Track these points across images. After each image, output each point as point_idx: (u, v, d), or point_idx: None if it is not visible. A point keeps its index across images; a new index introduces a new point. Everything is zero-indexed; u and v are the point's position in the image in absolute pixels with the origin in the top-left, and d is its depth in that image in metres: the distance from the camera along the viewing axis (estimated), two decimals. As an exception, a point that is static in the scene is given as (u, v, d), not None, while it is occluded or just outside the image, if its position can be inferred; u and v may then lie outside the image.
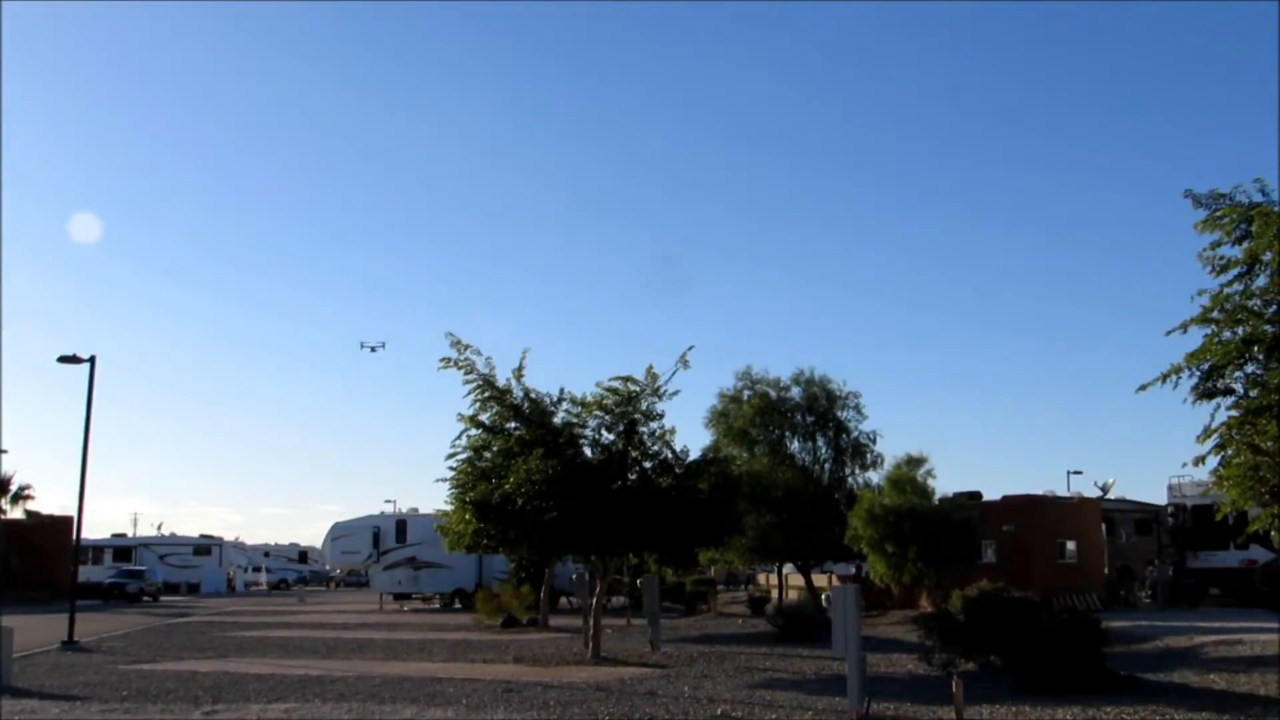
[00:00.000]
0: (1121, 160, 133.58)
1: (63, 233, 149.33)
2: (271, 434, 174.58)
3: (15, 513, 62.94)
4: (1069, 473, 58.61)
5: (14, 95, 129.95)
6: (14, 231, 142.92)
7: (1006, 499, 41.70)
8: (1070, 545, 39.95)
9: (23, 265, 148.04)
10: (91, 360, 32.74)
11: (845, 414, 43.52)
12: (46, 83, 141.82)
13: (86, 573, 63.09)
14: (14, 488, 62.02)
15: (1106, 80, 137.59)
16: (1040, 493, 42.75)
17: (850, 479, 43.54)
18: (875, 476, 42.38)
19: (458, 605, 52.90)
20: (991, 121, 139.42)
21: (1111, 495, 47.33)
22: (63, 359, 32.65)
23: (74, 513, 34.32)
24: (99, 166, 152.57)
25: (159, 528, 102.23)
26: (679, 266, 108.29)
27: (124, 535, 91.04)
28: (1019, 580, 27.86)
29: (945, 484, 43.37)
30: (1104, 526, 42.11)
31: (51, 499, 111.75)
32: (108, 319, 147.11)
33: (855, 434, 43.51)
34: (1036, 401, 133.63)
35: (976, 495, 42.35)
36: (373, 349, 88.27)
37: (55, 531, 65.51)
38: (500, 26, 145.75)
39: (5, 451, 57.93)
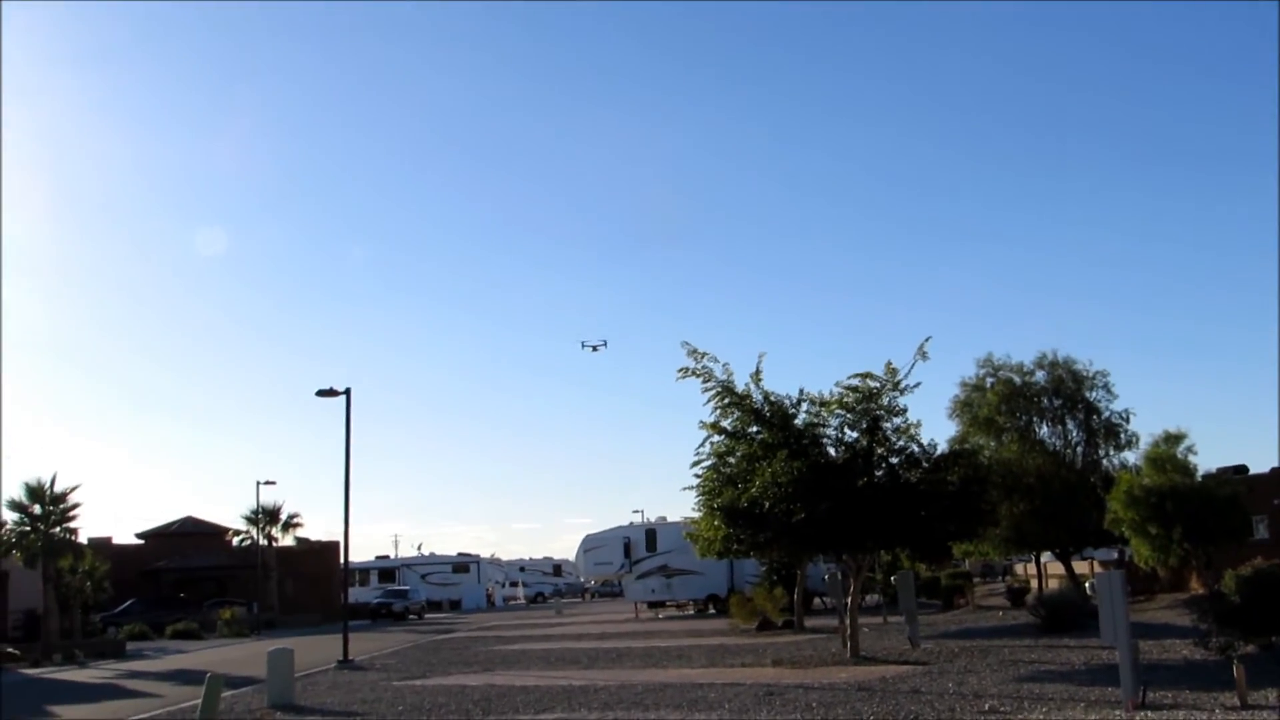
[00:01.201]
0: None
1: (324, 269, 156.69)
2: (518, 452, 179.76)
3: (286, 540, 66.41)
4: (1344, 441, 54.80)
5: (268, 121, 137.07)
6: (275, 268, 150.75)
7: (1276, 471, 39.76)
8: (1351, 517, 37.77)
9: (283, 301, 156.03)
10: (347, 392, 34.19)
11: (1094, 395, 42.19)
12: (312, 118, 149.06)
13: (354, 594, 66.09)
14: (284, 517, 65.39)
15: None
16: (1315, 463, 40.50)
17: (1105, 461, 42.16)
18: (1132, 457, 40.95)
19: (711, 611, 53.35)
20: (1234, 84, 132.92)
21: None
22: (321, 393, 34.15)
23: (340, 538, 35.89)
24: (347, 199, 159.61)
25: (419, 548, 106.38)
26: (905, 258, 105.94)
27: (387, 557, 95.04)
28: (1296, 557, 26.50)
29: (1208, 459, 41.59)
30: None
31: (318, 525, 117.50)
32: (360, 347, 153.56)
33: (1106, 414, 42.12)
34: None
35: (1243, 469, 40.51)
36: (594, 348, 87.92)
37: (323, 556, 68.97)
38: (744, 33, 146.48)
39: (273, 483, 60.96)
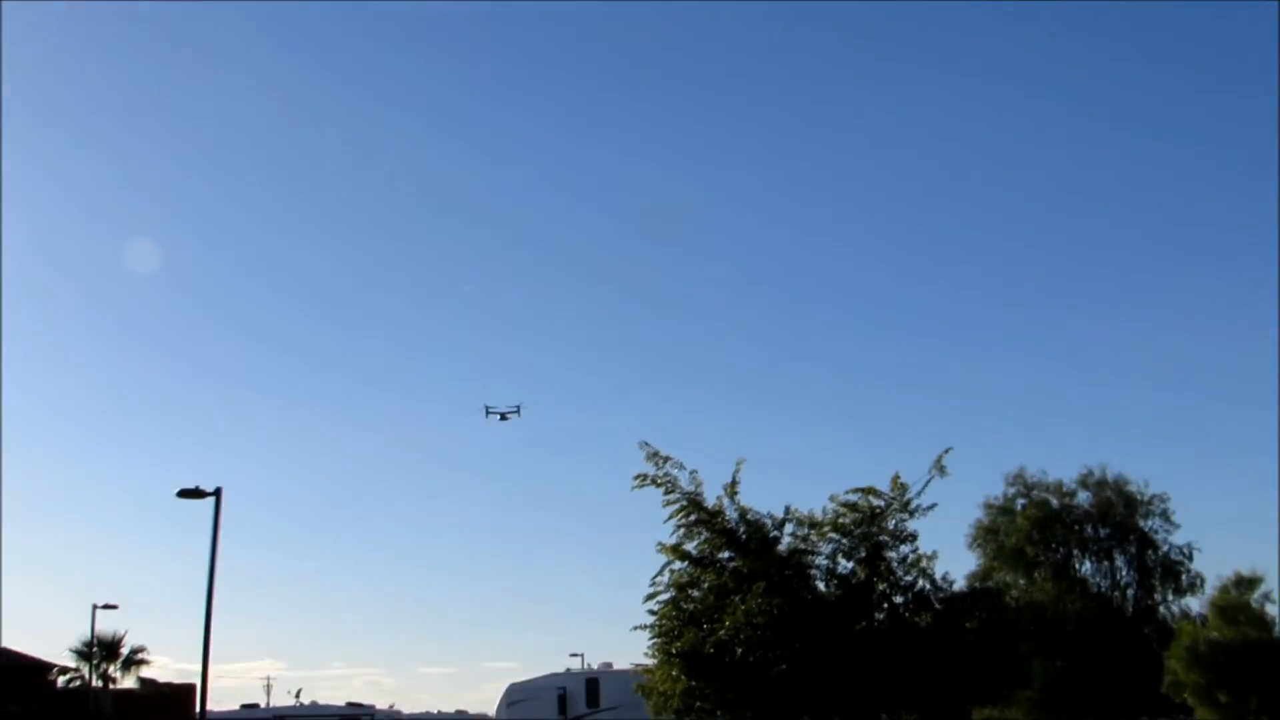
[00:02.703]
0: None
1: (186, 352, 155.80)
2: (426, 577, 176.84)
3: (128, 681, 64.92)
4: None
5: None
6: (121, 350, 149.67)
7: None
8: None
9: (140, 391, 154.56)
10: (217, 494, 33.61)
11: (1150, 523, 42.22)
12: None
13: (213, 753, 64.69)
14: (125, 650, 63.99)
15: None
16: None
17: (1162, 608, 42.14)
18: (1195, 603, 40.95)
19: (665, 782, 52.66)
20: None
21: None
22: (184, 493, 33.30)
23: (197, 679, 34.95)
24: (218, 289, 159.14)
25: (298, 695, 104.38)
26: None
27: (256, 706, 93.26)
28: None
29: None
30: None
31: (170, 663, 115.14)
32: (233, 448, 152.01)
33: (1164, 549, 42.14)
34: None
35: (1334, 622, 40.64)
36: (503, 416, 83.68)
37: (175, 703, 67.45)
38: (741, 120, 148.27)
39: (114, 607, 59.52)
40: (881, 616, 24.89)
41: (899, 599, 25.23)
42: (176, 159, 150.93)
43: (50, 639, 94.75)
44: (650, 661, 27.18)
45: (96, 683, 63.87)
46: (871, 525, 25.08)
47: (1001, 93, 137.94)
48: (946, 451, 24.93)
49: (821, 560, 25.45)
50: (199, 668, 33.16)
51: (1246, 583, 35.63)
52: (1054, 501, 42.53)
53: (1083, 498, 42.47)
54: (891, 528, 25.18)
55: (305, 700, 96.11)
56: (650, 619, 26.33)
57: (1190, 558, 41.65)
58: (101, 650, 63.26)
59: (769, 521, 25.52)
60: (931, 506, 25.25)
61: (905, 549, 25.35)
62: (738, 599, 24.23)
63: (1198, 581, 41.05)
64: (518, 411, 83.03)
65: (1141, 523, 41.91)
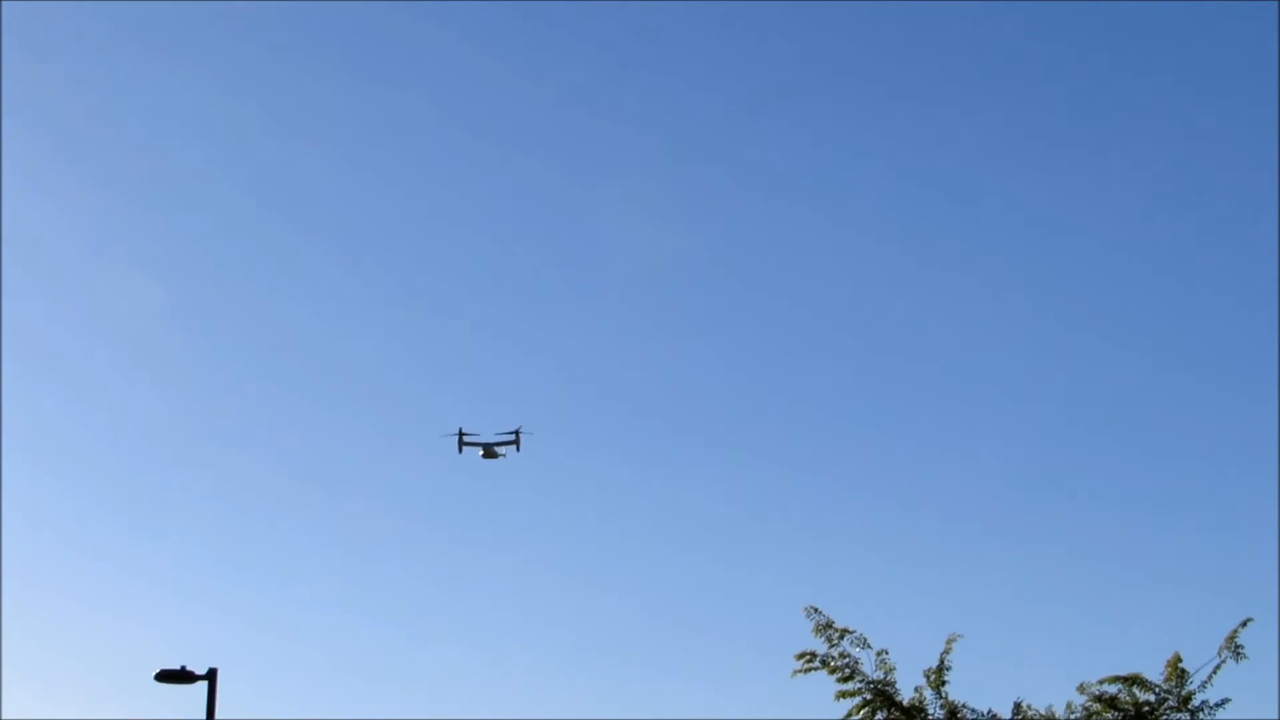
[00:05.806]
0: None
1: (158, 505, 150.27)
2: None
3: None
4: None
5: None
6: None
7: None
8: None
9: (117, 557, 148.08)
10: (210, 677, 29.10)
11: None
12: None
13: None
14: None
15: None
16: None
17: None
18: None
19: None
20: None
21: None
22: (165, 676, 29.06)
23: None
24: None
25: None
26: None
27: None
28: None
29: None
30: None
31: None
32: (230, 621, 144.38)
33: None
34: None
35: None
36: (487, 450, 60.30)
37: None
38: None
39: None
40: None
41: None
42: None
43: None
44: None
45: None
46: (1139, 728, 20.91)
47: None
48: (1244, 624, 21.28)
49: (1070, 783, 20.95)
50: None
51: None
52: None
53: None
54: (1168, 734, 20.89)
55: None
56: None
57: None
58: None
59: (992, 726, 20.89)
60: (1223, 703, 21.30)
61: (1187, 766, 20.59)
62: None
63: None
64: (515, 442, 61.55)
65: None
